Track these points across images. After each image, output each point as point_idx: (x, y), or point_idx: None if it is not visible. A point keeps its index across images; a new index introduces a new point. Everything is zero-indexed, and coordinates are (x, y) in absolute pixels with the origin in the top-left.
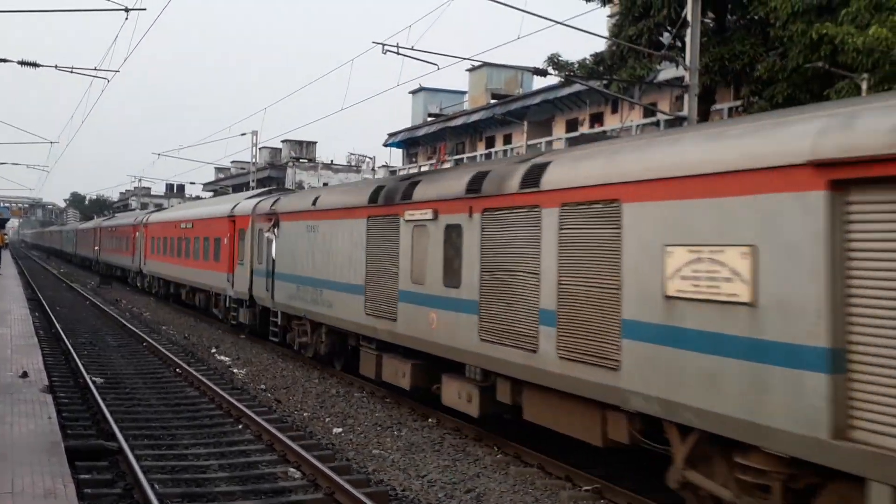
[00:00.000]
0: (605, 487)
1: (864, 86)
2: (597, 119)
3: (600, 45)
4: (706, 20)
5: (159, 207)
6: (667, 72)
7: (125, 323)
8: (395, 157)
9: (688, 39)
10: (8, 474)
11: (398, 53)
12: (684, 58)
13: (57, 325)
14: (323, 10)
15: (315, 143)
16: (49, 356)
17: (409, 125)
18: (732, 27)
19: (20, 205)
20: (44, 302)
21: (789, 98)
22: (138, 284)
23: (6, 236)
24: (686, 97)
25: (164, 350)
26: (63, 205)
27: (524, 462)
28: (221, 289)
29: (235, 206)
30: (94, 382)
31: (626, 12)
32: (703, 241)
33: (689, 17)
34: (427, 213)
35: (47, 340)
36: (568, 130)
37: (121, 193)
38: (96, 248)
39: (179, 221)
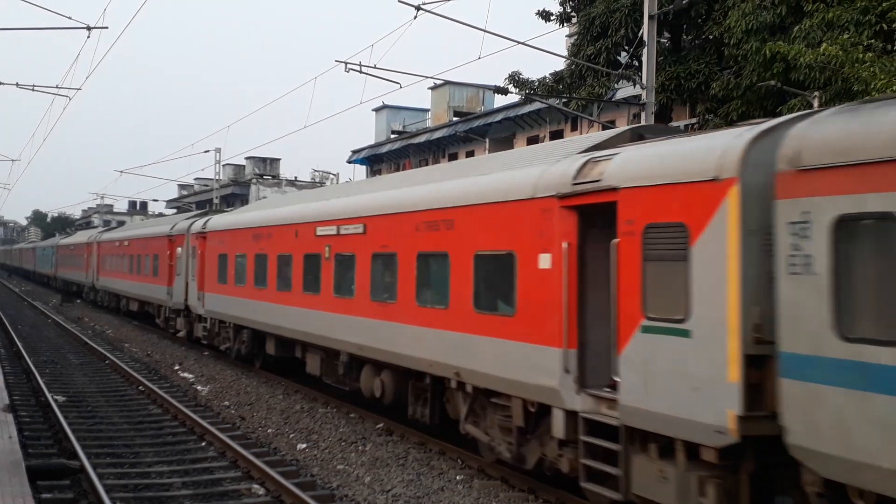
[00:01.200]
0: (567, 499)
1: (815, 103)
2: (557, 136)
3: (560, 64)
4: (662, 40)
5: (210, 212)
6: (624, 90)
7: (87, 341)
8: (359, 173)
9: (644, 59)
10: None
11: (360, 72)
12: (641, 76)
13: (18, 343)
14: (286, 29)
15: (279, 159)
16: (10, 375)
17: (372, 142)
18: (688, 46)
19: None
20: (4, 320)
21: (744, 115)
22: (178, 329)
23: None
24: (643, 115)
25: (126, 367)
26: (25, 223)
27: (488, 475)
28: (539, 391)
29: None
30: (55, 401)
31: (584, 32)
32: None
33: (645, 37)
34: None
35: (8, 359)
36: None
37: (83, 211)
38: (91, 269)
39: (322, 221)
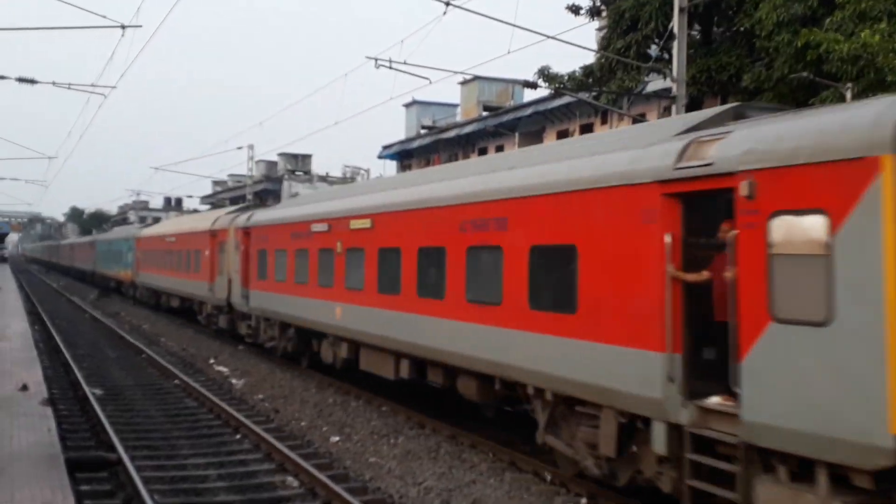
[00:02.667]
0: (597, 493)
1: (848, 95)
2: (587, 130)
3: (590, 58)
4: (692, 32)
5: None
6: (655, 83)
7: (124, 335)
8: (390, 168)
9: (675, 51)
10: (7, 487)
11: (391, 68)
12: (671, 69)
13: (56, 337)
14: (317, 25)
15: (310, 155)
16: (49, 369)
17: (402, 138)
18: (718, 39)
19: (19, 220)
20: (43, 315)
21: None
22: None
23: (6, 251)
24: (674, 108)
25: (162, 361)
26: (62, 219)
27: (519, 468)
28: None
29: None
30: (93, 394)
31: (614, 26)
32: None
33: (675, 30)
34: None
35: (47, 353)
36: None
37: (119, 207)
38: (225, 275)
39: None
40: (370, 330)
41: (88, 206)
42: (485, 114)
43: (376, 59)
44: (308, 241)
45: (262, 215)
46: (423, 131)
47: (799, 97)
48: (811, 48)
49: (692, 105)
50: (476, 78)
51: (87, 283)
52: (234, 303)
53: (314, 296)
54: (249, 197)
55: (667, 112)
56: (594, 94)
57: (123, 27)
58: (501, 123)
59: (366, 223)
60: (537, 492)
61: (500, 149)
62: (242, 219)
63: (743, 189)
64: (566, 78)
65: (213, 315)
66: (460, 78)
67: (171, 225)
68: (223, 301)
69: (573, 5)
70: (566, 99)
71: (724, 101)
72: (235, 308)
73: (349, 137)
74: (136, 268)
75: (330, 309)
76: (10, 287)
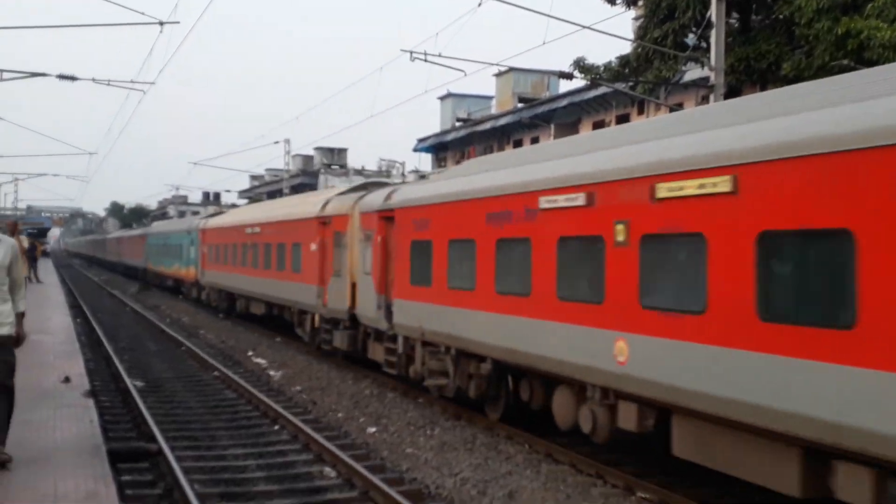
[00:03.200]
0: (634, 484)
1: None
2: (623, 120)
3: (626, 48)
4: (731, 20)
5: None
6: (692, 72)
7: (164, 328)
8: (425, 162)
9: (712, 40)
10: (51, 477)
11: (425, 60)
12: (709, 58)
13: (98, 330)
14: (352, 20)
15: (346, 149)
16: (90, 361)
17: (437, 130)
18: (757, 27)
19: (61, 214)
20: (85, 309)
21: None
22: None
23: (47, 246)
24: (712, 97)
25: (202, 354)
26: (103, 214)
27: (555, 460)
28: None
29: None
30: (134, 386)
31: (650, 15)
32: None
33: (713, 18)
34: None
35: (89, 346)
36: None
37: (158, 202)
38: (334, 276)
39: None
40: (724, 392)
41: (129, 201)
42: (520, 105)
43: (411, 52)
44: (528, 226)
45: (416, 191)
46: (458, 124)
47: None
48: (852, 36)
49: (730, 94)
50: (511, 69)
51: (136, 282)
52: (363, 316)
53: (548, 316)
54: (286, 191)
55: (704, 101)
56: (630, 84)
57: (161, 23)
58: (537, 115)
59: (715, 185)
60: (574, 483)
61: (534, 140)
62: (377, 199)
63: None
64: (602, 68)
65: (325, 330)
66: (495, 70)
67: (253, 211)
68: (343, 313)
69: None
70: (602, 89)
71: (763, 90)
72: (364, 323)
73: (384, 131)
74: (202, 265)
75: (598, 342)
76: (53, 281)
